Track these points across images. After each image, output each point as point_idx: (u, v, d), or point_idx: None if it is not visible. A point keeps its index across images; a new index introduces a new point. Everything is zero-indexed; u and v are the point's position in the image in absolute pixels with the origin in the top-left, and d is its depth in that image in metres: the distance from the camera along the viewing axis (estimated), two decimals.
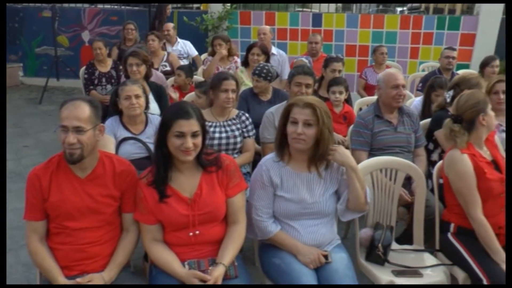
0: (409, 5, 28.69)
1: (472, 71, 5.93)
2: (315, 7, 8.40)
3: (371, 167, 2.72)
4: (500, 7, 7.49)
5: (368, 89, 5.70)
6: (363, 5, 13.74)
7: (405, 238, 2.93)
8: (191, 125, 2.01)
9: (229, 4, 7.93)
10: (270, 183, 2.24)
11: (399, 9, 24.65)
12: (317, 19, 7.79)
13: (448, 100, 3.36)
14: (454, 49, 5.27)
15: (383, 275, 2.41)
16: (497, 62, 5.10)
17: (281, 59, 5.41)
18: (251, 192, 2.32)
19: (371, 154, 3.08)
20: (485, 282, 2.29)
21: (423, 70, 6.41)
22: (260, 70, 3.74)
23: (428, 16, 7.81)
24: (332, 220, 2.37)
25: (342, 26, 7.75)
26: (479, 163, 2.46)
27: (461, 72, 5.85)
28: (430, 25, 7.68)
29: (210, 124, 3.14)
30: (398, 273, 2.42)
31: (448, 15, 8.30)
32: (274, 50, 5.58)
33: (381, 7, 29.16)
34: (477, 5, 7.86)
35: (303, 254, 2.20)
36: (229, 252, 2.10)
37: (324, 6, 9.11)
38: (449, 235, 2.56)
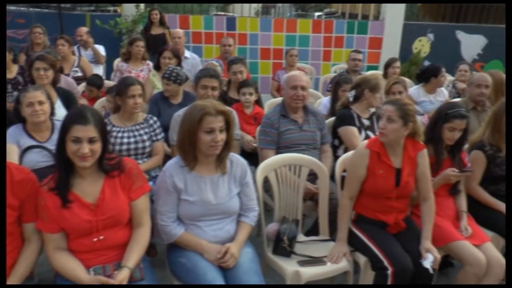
0: (326, 10, 29.84)
1: (379, 72, 6.34)
2: (237, 10, 8.53)
3: (275, 164, 2.85)
4: (401, 13, 8.06)
5: (281, 91, 5.88)
6: (282, 9, 14.15)
7: (315, 230, 3.08)
8: (87, 130, 1.99)
9: (143, 7, 7.83)
10: (174, 188, 2.28)
11: (316, 14, 25.63)
12: (231, 23, 7.92)
13: (351, 99, 3.58)
14: (359, 52, 5.60)
15: (289, 266, 2.53)
16: (398, 63, 5.48)
17: (194, 62, 5.47)
18: (156, 198, 2.35)
19: (278, 152, 3.19)
20: (386, 263, 2.48)
21: (335, 72, 6.72)
22: (169, 73, 3.75)
23: (338, 21, 8.24)
24: (237, 219, 2.45)
25: (256, 30, 7.94)
26: (377, 162, 2.64)
27: (369, 73, 6.25)
28: (340, 29, 8.08)
29: (118, 129, 3.13)
30: (303, 263, 2.55)
31: (357, 20, 8.78)
32: (187, 53, 5.62)
33: (299, 11, 30.23)
34: (382, 10, 8.39)
35: (208, 252, 2.26)
36: (134, 255, 2.11)
37: (245, 10, 9.28)
38: (350, 223, 2.74)
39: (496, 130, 3.12)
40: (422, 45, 8.35)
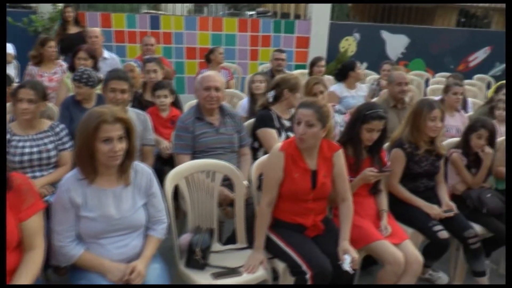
0: (258, 9, 29.94)
1: (303, 71, 6.35)
2: (170, 9, 8.26)
3: (186, 172, 2.68)
4: (327, 12, 8.13)
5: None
6: (215, 8, 13.91)
7: (234, 237, 2.95)
8: None
9: (61, 4, 7.35)
10: (71, 204, 2.08)
11: (249, 13, 25.62)
12: (155, 22, 7.63)
13: (271, 99, 3.48)
14: (282, 51, 5.53)
15: (202, 279, 2.38)
16: (323, 62, 5.48)
17: (113, 63, 5.17)
18: (51, 216, 2.12)
19: (194, 157, 3.03)
20: (304, 267, 2.41)
21: (262, 71, 6.64)
22: (80, 75, 3.47)
23: (265, 20, 8.17)
24: (144, 232, 2.27)
25: (181, 29, 7.69)
26: (293, 165, 2.55)
27: (296, 72, 6.23)
28: (267, 28, 8.02)
29: (18, 138, 2.85)
30: (217, 275, 2.41)
31: (284, 20, 8.75)
32: (106, 54, 5.31)
33: (232, 10, 30.08)
34: (309, 10, 8.43)
35: (111, 272, 2.07)
36: (22, 282, 1.87)
37: (178, 9, 9.02)
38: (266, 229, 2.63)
39: (415, 128, 3.14)
40: (349, 45, 8.48)
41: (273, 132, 3.33)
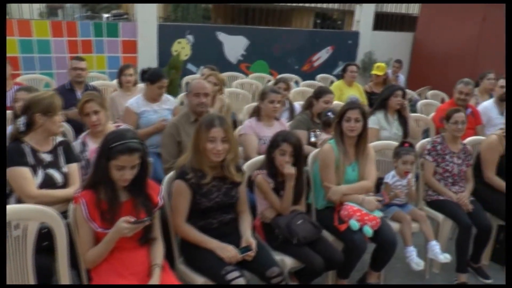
0: (114, 11, 28.17)
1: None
2: (14, 12, 6.82)
3: None
4: (154, 13, 7.40)
5: None
6: (71, 10, 12.14)
7: None
8: None
9: None
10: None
11: (105, 15, 23.84)
12: None
13: (22, 128, 2.64)
14: (82, 59, 4.59)
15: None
16: (131, 70, 4.66)
17: None
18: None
19: None
20: None
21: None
22: None
23: (83, 22, 7.11)
24: None
25: None
26: None
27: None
28: (86, 32, 7.04)
29: None
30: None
31: (106, 22, 7.78)
32: None
33: (90, 13, 27.81)
34: (134, 11, 7.61)
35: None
36: None
37: (26, 11, 7.57)
38: None
39: (196, 151, 2.54)
40: (182, 48, 7.82)
41: (25, 171, 2.52)
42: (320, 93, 4.03)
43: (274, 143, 2.83)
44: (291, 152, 2.78)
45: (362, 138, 3.13)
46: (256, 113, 3.79)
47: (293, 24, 18.90)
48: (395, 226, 3.30)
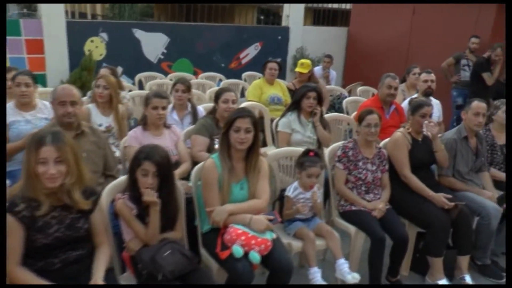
0: (23, 9, 26.55)
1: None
2: None
3: None
4: (60, 8, 6.74)
5: None
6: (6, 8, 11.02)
7: None
8: None
9: None
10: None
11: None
12: None
13: None
14: None
15: None
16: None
17: None
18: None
19: None
20: None
21: None
22: None
23: None
24: None
25: None
26: None
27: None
28: None
29: None
30: None
31: (8, 19, 7.01)
32: None
33: (25, 10, 26.12)
34: (38, 6, 6.90)
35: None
36: None
37: None
38: None
39: (28, 175, 2.03)
40: (96, 46, 7.17)
41: None
42: (218, 94, 3.59)
43: (135, 162, 2.35)
44: (154, 173, 2.32)
45: (253, 151, 2.70)
46: (142, 121, 3.31)
47: (236, 21, 18.48)
48: (297, 245, 2.92)
